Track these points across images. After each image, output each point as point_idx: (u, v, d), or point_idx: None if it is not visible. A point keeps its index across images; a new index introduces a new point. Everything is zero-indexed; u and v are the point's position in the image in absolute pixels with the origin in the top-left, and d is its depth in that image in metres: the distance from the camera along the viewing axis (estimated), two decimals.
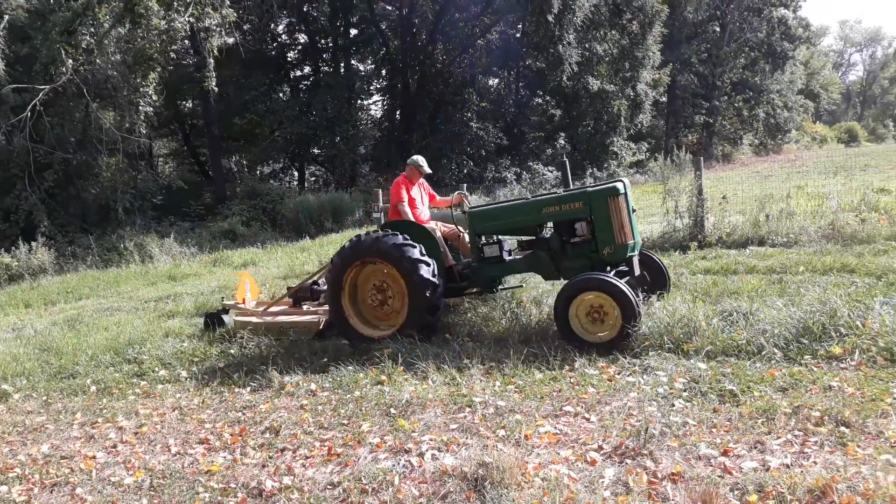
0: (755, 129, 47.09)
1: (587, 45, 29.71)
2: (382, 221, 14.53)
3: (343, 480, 4.15)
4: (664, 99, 39.43)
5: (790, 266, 8.81)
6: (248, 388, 6.33)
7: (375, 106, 37.50)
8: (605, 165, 30.86)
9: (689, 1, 41.43)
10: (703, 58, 42.58)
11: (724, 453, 3.97)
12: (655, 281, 7.37)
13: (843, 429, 4.14)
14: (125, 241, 18.53)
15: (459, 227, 7.88)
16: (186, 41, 24.17)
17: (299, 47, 34.51)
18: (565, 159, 8.20)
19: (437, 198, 8.46)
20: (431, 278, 6.87)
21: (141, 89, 19.94)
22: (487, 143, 30.30)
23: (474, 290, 7.76)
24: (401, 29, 32.10)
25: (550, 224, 7.24)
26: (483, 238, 7.42)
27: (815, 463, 3.76)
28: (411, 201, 7.90)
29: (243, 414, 5.65)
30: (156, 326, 9.24)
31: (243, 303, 8.94)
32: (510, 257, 7.45)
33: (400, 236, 7.02)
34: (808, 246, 10.35)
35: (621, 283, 6.20)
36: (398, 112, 33.71)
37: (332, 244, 17.37)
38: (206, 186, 30.29)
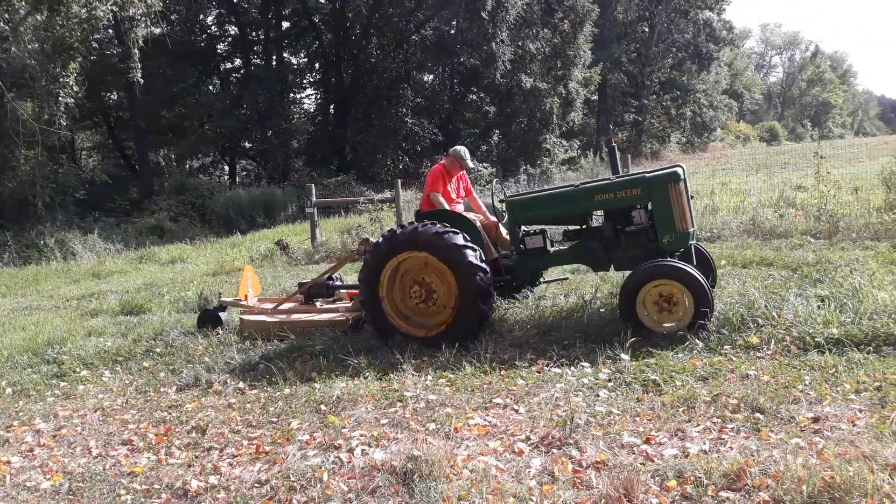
0: (682, 127, 48.50)
1: (520, 43, 30.01)
2: (316, 217, 14.53)
3: (271, 478, 4.09)
4: (595, 97, 40.20)
5: (713, 260, 9.12)
6: (175, 387, 6.18)
7: (309, 100, 37.11)
8: (539, 162, 31.27)
9: (619, 1, 42.36)
10: (632, 57, 43.58)
11: (647, 441, 4.09)
12: (704, 271, 6.72)
13: (757, 415, 4.32)
14: (45, 238, 17.77)
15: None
16: (110, 30, 23.38)
17: (229, 39, 33.78)
18: (614, 144, 7.60)
19: (474, 193, 7.92)
20: (480, 262, 6.32)
21: (61, 79, 19.10)
22: (423, 138, 30.30)
23: (522, 285, 7.28)
24: (334, 22, 31.78)
25: (599, 212, 6.91)
26: (523, 228, 7.02)
27: (731, 448, 3.90)
28: (446, 194, 7.43)
29: (169, 413, 5.51)
30: (77, 325, 8.91)
31: (245, 300, 8.31)
32: (554, 248, 7.04)
33: (439, 225, 6.50)
34: (730, 240, 10.76)
35: (696, 272, 5.99)
36: (332, 106, 33.42)
37: (263, 240, 17.09)
38: (133, 181, 29.37)
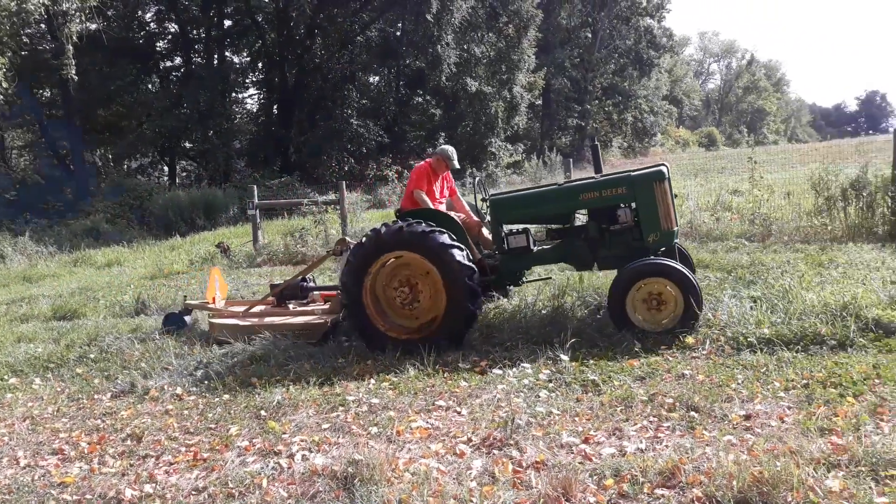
0: (624, 132, 49.47)
1: (465, 47, 30.19)
2: (258, 219, 14.30)
3: (209, 485, 4.02)
4: (539, 102, 40.68)
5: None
6: (109, 394, 6.01)
7: (251, 100, 36.61)
8: (484, 166, 31.49)
9: (563, 7, 42.98)
10: (575, 63, 44.26)
11: (585, 440, 4.16)
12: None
13: (692, 413, 4.44)
14: None
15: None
16: (42, 25, 22.58)
17: (169, 37, 33.07)
18: (597, 143, 7.56)
19: (459, 198, 7.75)
20: (467, 262, 6.20)
21: None
22: (368, 140, 30.16)
23: (505, 285, 7.16)
24: (277, 22, 31.39)
25: (583, 211, 6.90)
26: (505, 227, 6.94)
27: (667, 446, 4.00)
28: (430, 192, 7.27)
29: (103, 421, 5.35)
30: (6, 331, 8.59)
31: (213, 302, 8.03)
32: (537, 247, 6.98)
33: (424, 224, 6.34)
34: None
35: (686, 270, 6.03)
36: (275, 107, 33.02)
37: (204, 242, 16.75)
38: (67, 181, 28.43)
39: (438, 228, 6.34)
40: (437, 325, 6.34)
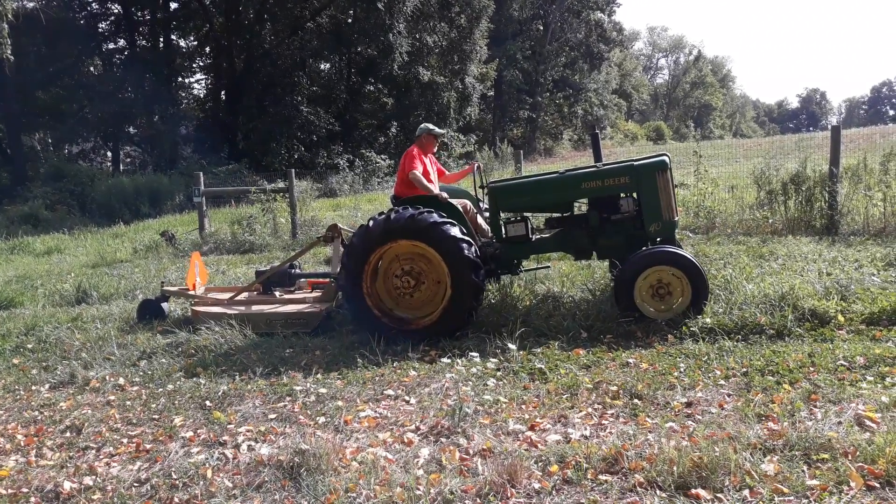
0: (574, 125, 49.95)
1: (417, 36, 30.07)
2: (204, 207, 14.01)
3: (152, 477, 3.94)
4: (491, 93, 40.79)
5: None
6: (48, 385, 5.84)
7: (198, 85, 35.88)
8: (437, 156, 31.45)
9: None
10: (527, 55, 44.49)
11: (531, 428, 4.21)
12: None
13: (636, 401, 4.53)
14: None
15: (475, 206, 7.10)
16: None
17: (112, 18, 32.12)
18: (597, 131, 7.38)
19: (447, 173, 7.60)
20: (475, 258, 6.12)
21: None
22: (319, 128, 29.83)
23: (500, 273, 7.03)
24: (226, 5, 30.75)
25: (583, 200, 6.82)
26: (503, 215, 6.83)
27: (610, 433, 4.07)
28: (425, 174, 6.88)
29: (41, 413, 5.20)
30: None
31: (193, 289, 7.71)
32: (536, 236, 6.89)
33: (435, 213, 6.18)
34: None
35: (695, 259, 5.99)
36: (223, 92, 32.38)
37: (148, 230, 16.38)
38: (4, 166, 27.43)
39: (450, 220, 6.21)
40: (437, 317, 6.25)
